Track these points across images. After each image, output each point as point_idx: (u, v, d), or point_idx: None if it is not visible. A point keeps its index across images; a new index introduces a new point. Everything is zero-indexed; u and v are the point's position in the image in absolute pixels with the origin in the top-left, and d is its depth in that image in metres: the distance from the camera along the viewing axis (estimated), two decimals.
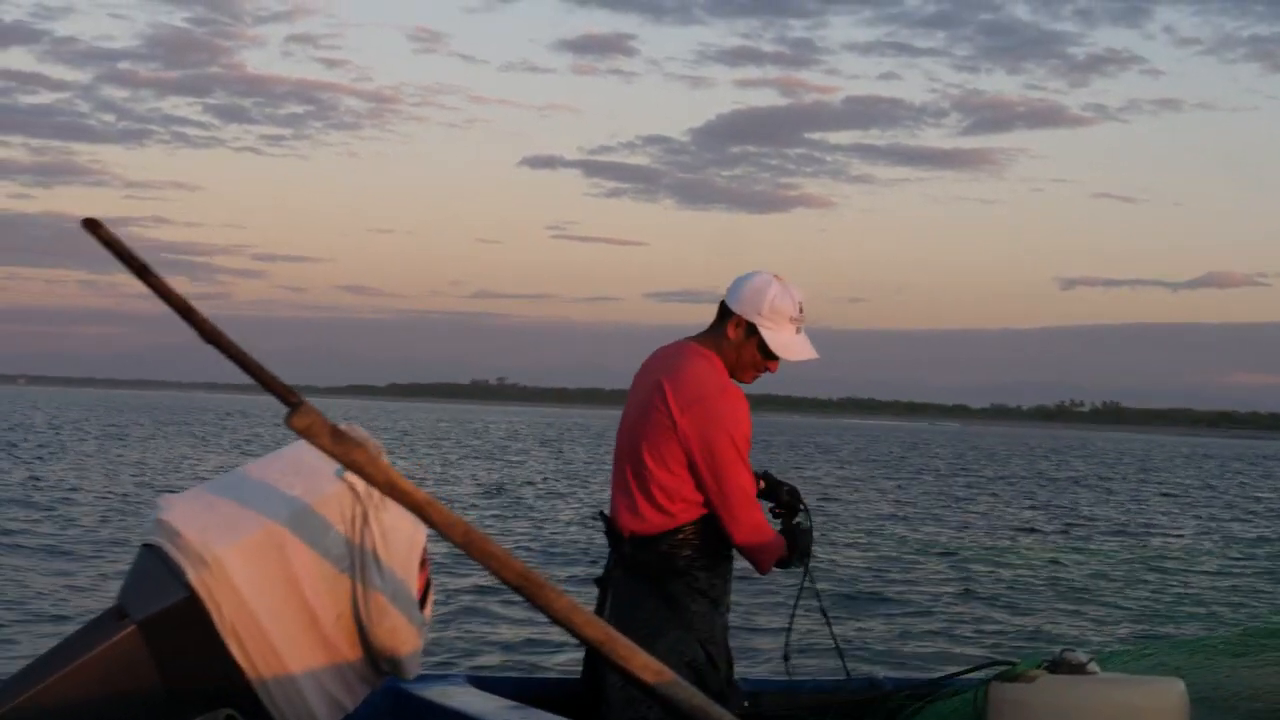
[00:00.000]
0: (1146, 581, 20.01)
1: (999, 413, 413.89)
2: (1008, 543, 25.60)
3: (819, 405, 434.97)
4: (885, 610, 16.31)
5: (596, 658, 4.94)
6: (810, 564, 5.55)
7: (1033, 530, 29.11)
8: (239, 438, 68.46)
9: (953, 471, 60.13)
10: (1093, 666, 4.78)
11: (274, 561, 3.63)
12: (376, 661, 3.78)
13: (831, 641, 5.84)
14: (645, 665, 3.41)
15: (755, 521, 5.24)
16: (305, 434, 3.28)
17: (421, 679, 5.16)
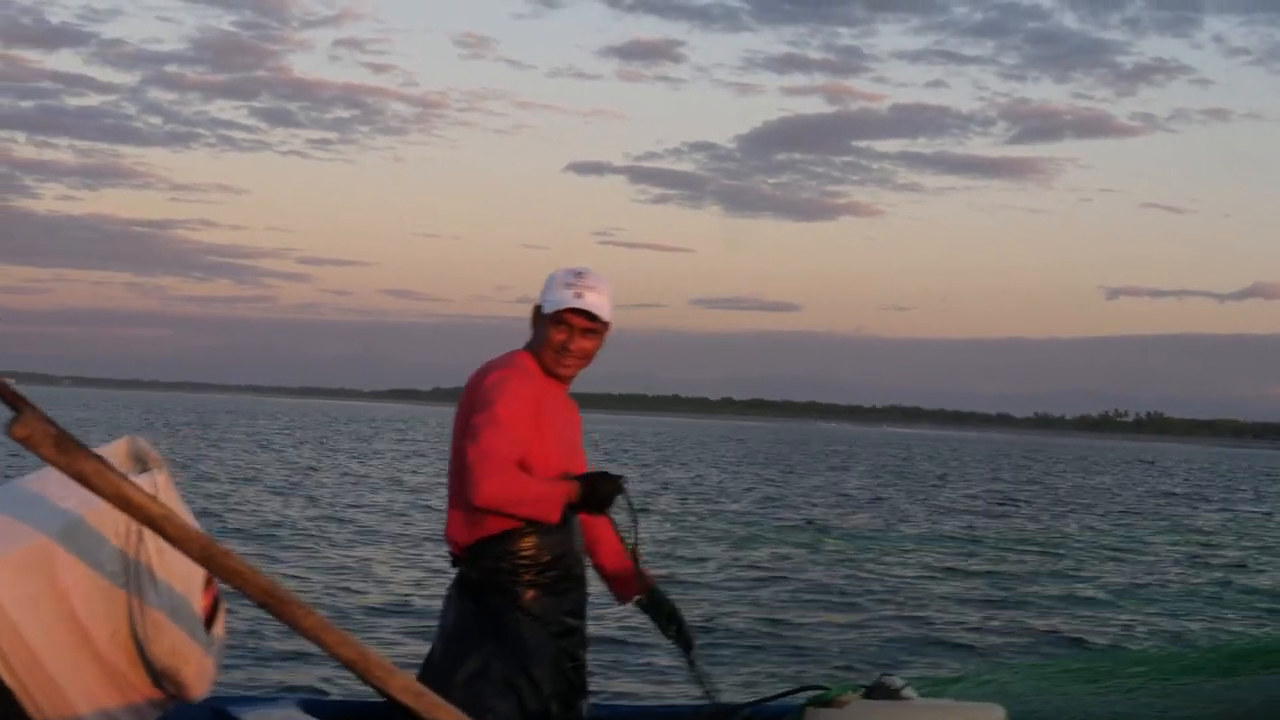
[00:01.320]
0: (1040, 604, 19.75)
1: (1042, 422, 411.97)
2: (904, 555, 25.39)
3: (861, 413, 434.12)
4: (741, 630, 16.01)
5: (424, 678, 4.89)
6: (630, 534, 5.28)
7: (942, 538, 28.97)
8: (258, 439, 69.03)
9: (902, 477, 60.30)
10: (908, 692, 4.77)
11: (42, 576, 3.44)
12: (159, 681, 3.59)
13: (687, 666, 5.51)
14: (404, 687, 3.27)
15: (495, 476, 4.86)
16: (26, 443, 3.05)
17: (247, 702, 5.14)
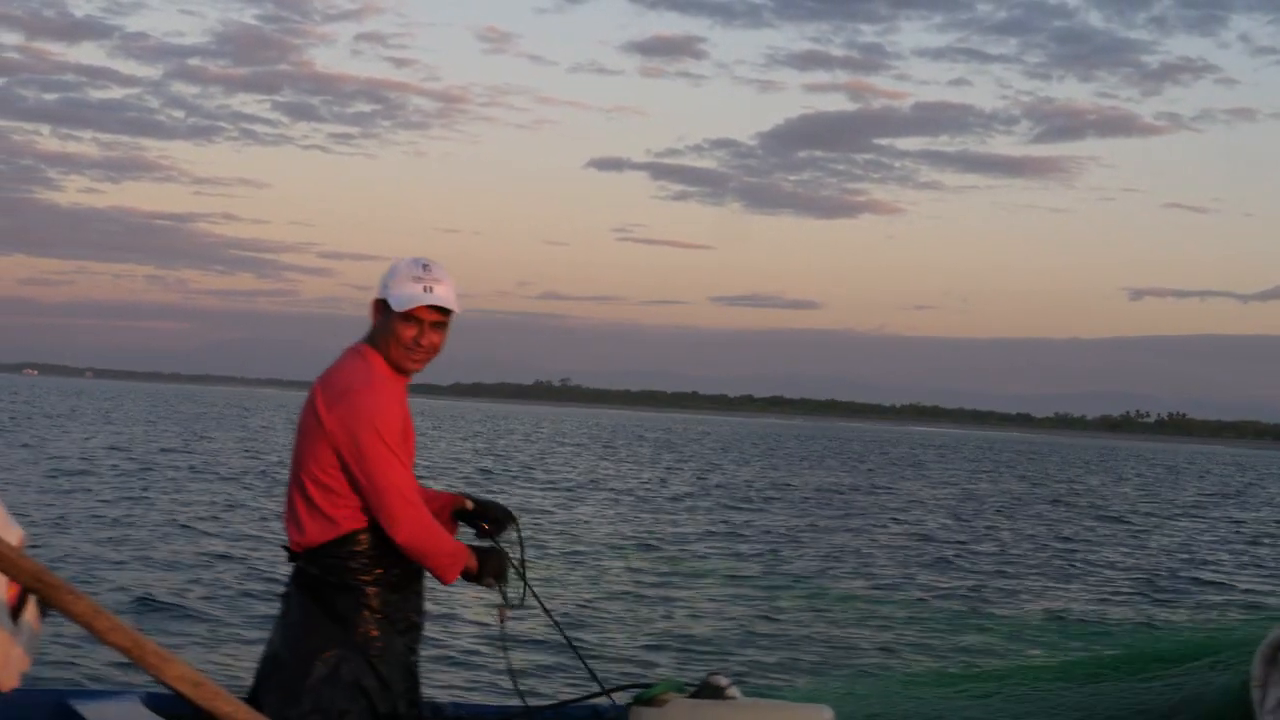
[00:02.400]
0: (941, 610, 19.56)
1: (1063, 422, 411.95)
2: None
3: (882, 411, 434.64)
4: (596, 625, 16.02)
5: (267, 678, 5.01)
6: (515, 589, 5.29)
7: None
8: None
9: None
10: (734, 691, 4.73)
11: None
12: None
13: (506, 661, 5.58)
14: (182, 676, 3.20)
15: (418, 519, 4.97)
16: None
17: (89, 695, 5.08)
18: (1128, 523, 38.63)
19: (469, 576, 5.19)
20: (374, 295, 5.16)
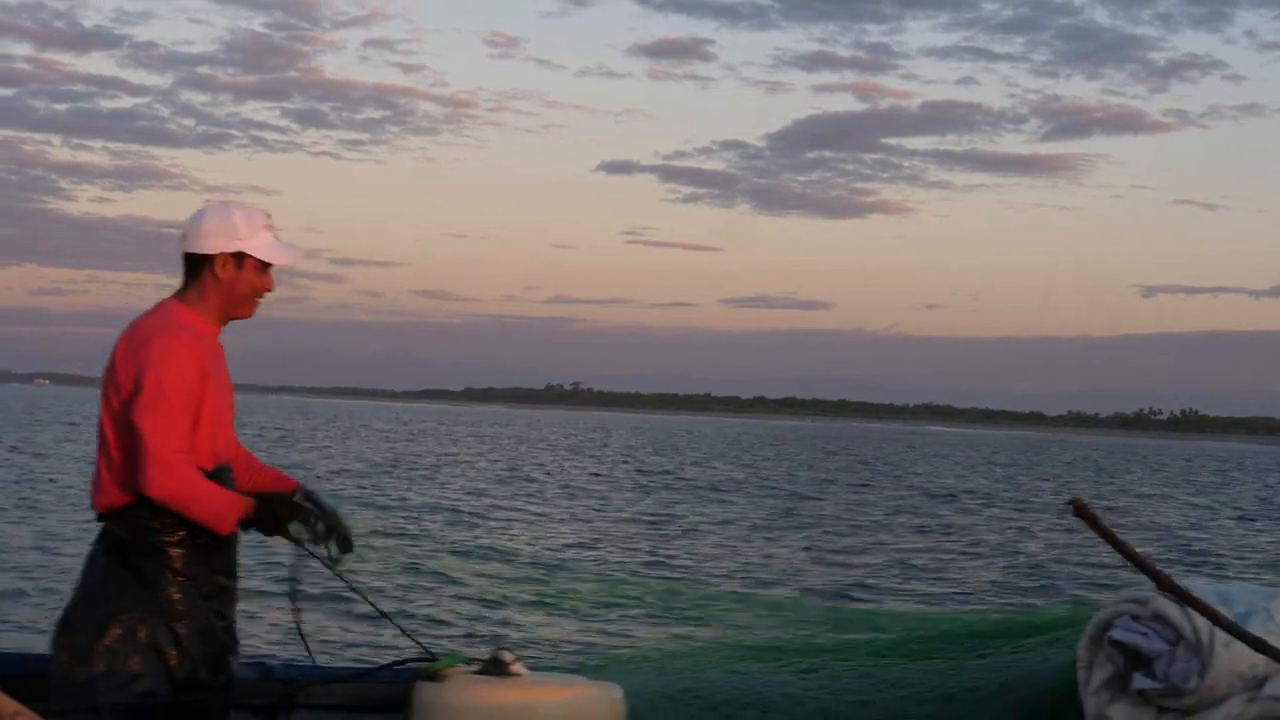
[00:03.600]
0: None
1: (1076, 420, 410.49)
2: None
3: (895, 411, 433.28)
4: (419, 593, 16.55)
5: (63, 643, 4.88)
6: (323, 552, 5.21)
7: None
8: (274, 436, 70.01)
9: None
10: (519, 667, 4.72)
11: None
12: None
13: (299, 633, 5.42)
14: None
15: (172, 472, 4.78)
16: None
17: None
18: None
19: (256, 526, 5.08)
20: (200, 248, 5.04)
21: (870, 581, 21.42)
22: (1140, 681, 5.43)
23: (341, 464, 48.48)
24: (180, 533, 4.87)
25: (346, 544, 5.24)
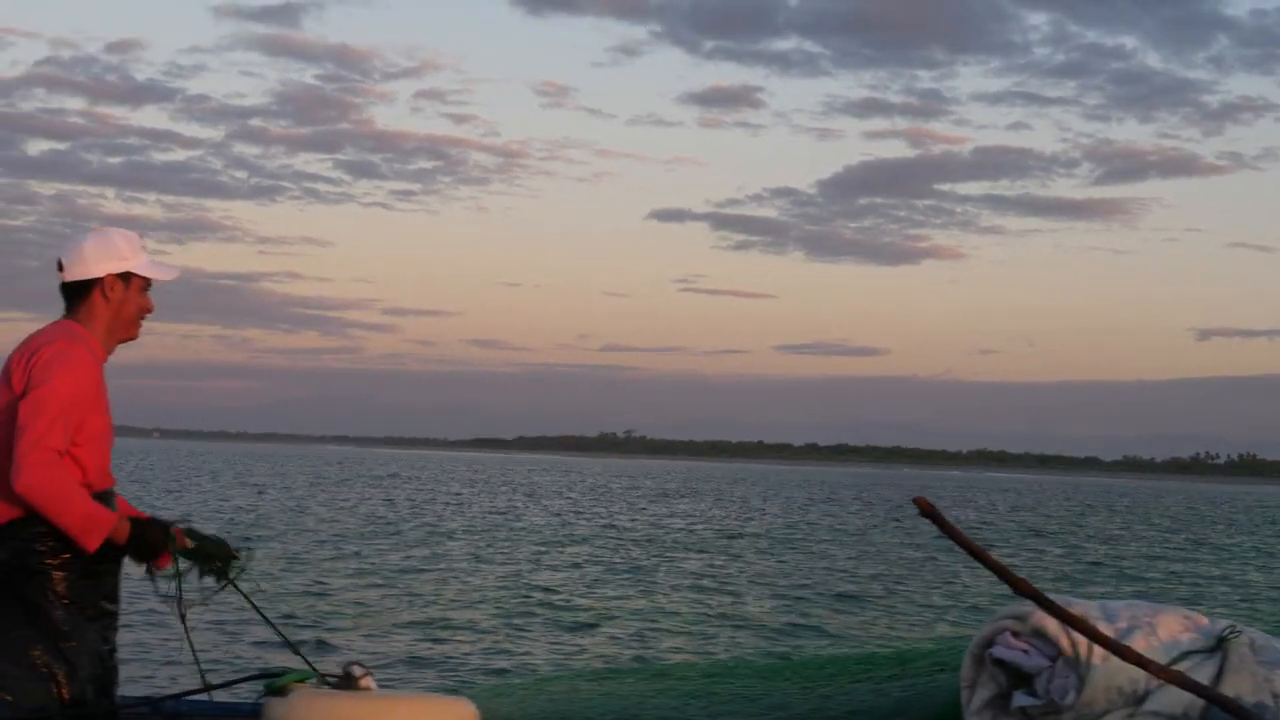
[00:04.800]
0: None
1: (1132, 465, 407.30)
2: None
3: (949, 458, 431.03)
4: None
5: None
6: (197, 581, 5.18)
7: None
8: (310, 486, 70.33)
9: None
10: (368, 682, 4.68)
11: None
12: None
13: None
14: None
15: (46, 468, 4.73)
16: None
17: None
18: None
19: (128, 550, 5.04)
20: (84, 274, 5.08)
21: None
22: (1020, 699, 5.34)
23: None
24: (63, 555, 4.88)
25: (221, 573, 5.21)
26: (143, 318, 5.21)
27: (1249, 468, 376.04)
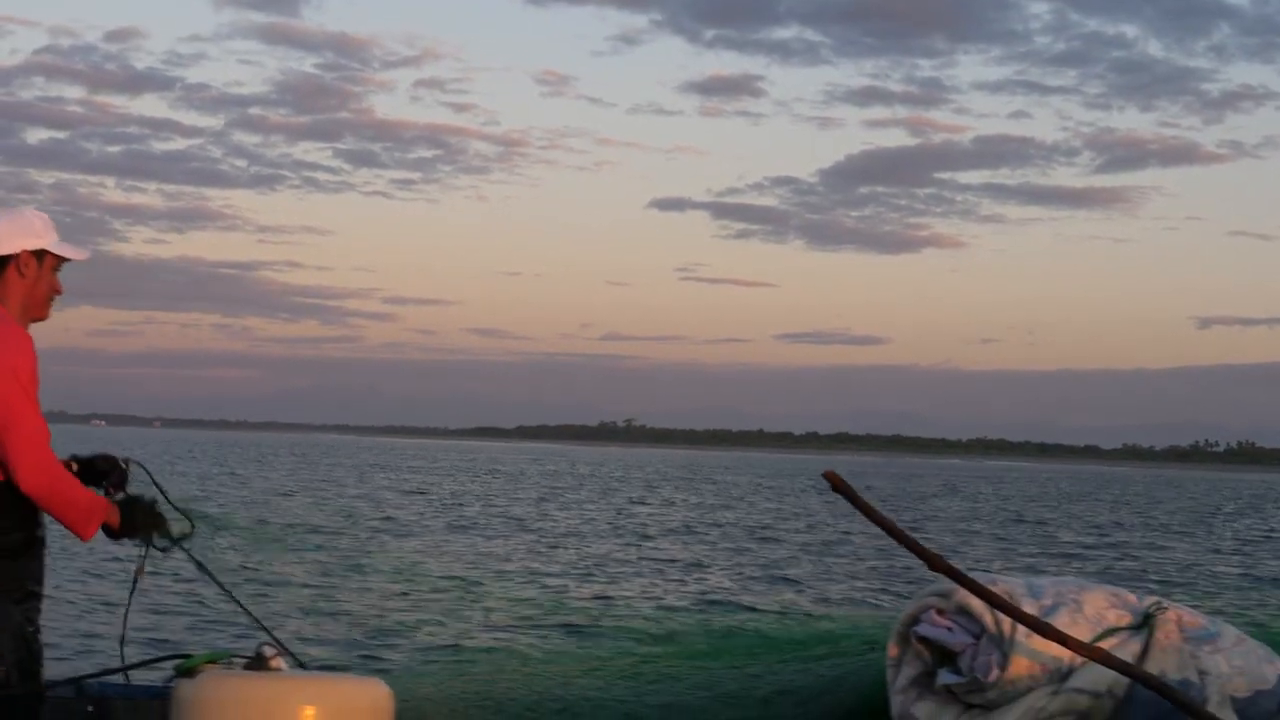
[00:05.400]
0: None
1: (1131, 453, 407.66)
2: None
3: (949, 446, 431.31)
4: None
5: None
6: (162, 545, 5.21)
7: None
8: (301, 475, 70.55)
9: None
10: (279, 663, 4.66)
11: None
12: None
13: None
14: None
15: (50, 464, 4.81)
16: None
17: None
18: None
19: (112, 533, 5.09)
20: (12, 246, 5.03)
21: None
22: (945, 677, 5.33)
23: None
24: None
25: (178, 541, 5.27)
26: (53, 299, 5.13)
27: (1248, 456, 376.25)
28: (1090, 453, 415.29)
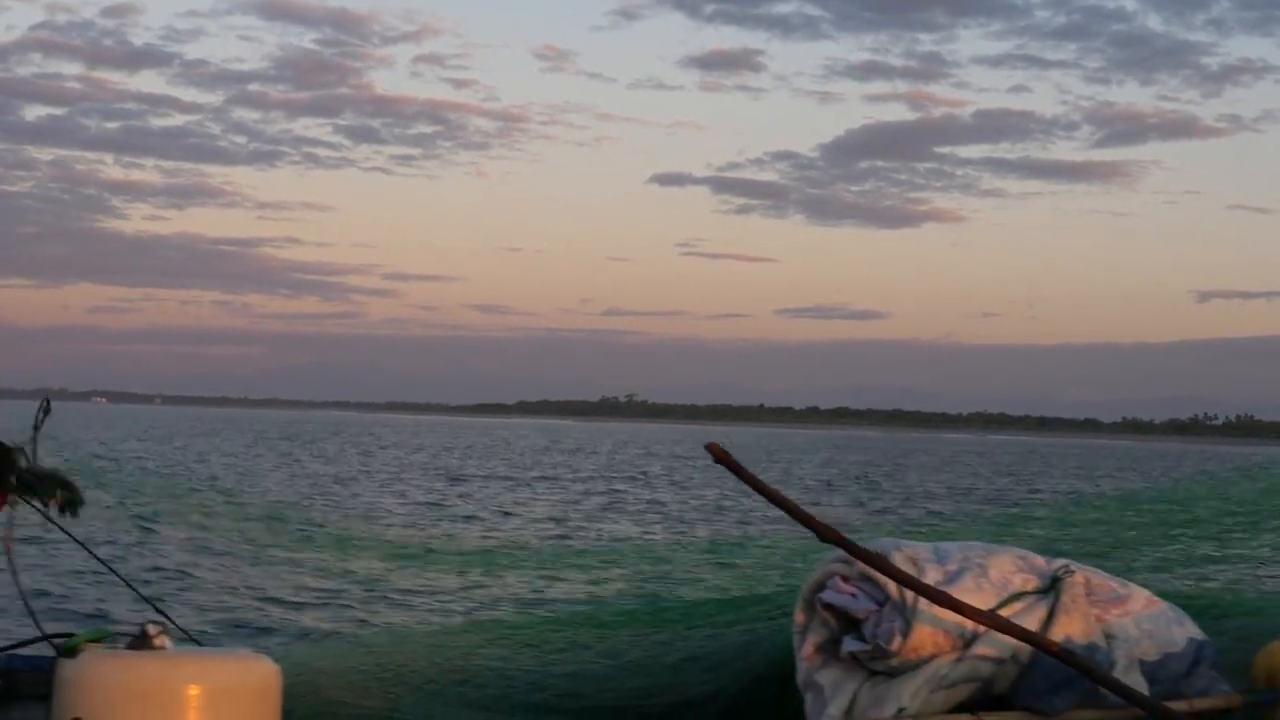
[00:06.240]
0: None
1: (1131, 427, 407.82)
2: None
3: (949, 420, 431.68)
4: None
5: None
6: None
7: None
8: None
9: None
10: (163, 641, 4.57)
11: None
12: None
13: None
14: None
15: None
16: None
17: None
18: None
19: None
20: None
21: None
22: (849, 644, 5.25)
23: None
24: None
25: (73, 505, 5.12)
26: None
27: (1247, 429, 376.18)
28: (1090, 426, 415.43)
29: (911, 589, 4.82)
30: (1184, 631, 5.44)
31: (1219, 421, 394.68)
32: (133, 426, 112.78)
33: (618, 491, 41.75)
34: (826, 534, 4.49)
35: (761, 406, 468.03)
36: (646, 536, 26.08)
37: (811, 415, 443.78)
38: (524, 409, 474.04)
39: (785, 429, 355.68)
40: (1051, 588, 5.27)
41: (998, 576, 5.26)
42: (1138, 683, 5.18)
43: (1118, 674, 5.14)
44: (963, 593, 5.09)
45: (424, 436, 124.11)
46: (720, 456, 4.33)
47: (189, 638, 4.97)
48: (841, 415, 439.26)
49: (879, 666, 5.17)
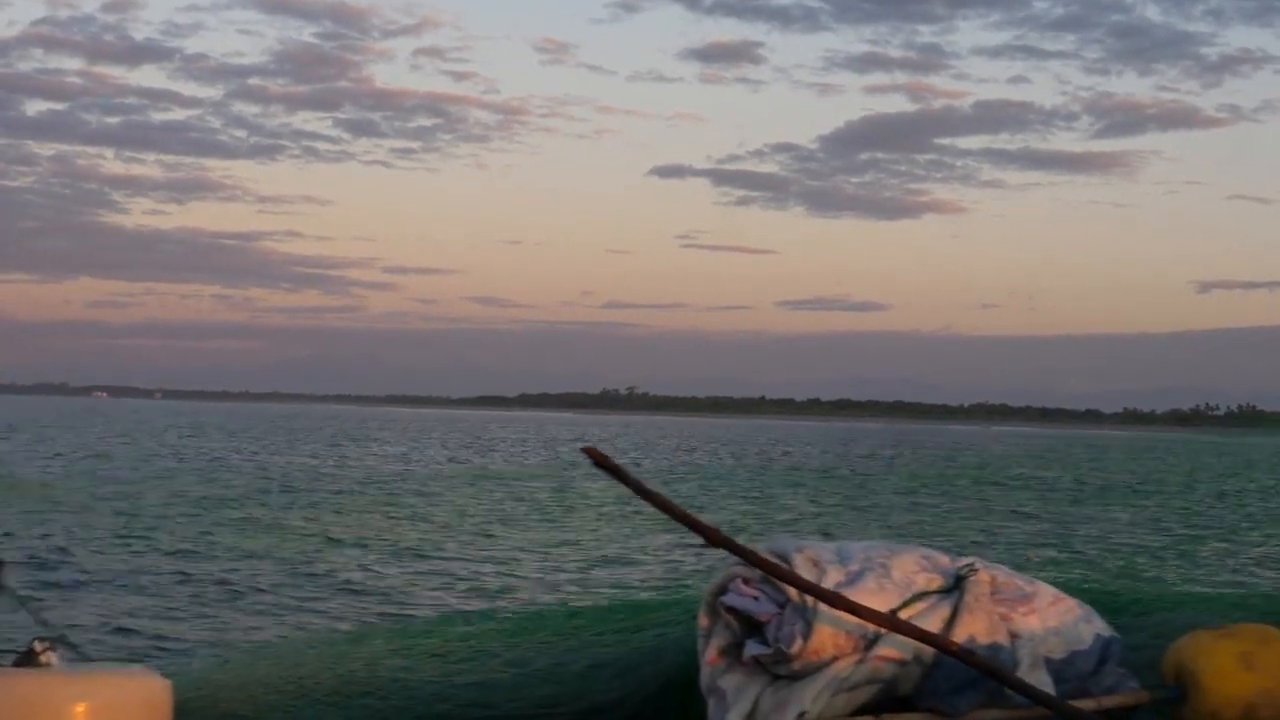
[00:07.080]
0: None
1: (1132, 417, 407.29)
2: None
3: (950, 412, 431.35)
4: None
5: None
6: None
7: None
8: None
9: None
10: (49, 658, 4.51)
11: None
12: None
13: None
14: None
15: None
16: None
17: None
18: None
19: None
20: None
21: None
22: (751, 648, 5.18)
23: None
24: None
25: None
26: None
27: (1248, 419, 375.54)
28: (1091, 417, 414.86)
29: (808, 593, 4.75)
30: (1092, 628, 5.38)
31: (1221, 412, 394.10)
32: (146, 421, 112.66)
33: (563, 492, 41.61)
34: (714, 538, 4.42)
35: (763, 399, 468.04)
36: (562, 539, 26.01)
37: (813, 407, 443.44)
38: (524, 402, 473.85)
39: (787, 421, 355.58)
40: (955, 587, 5.20)
41: (901, 576, 5.20)
42: (1043, 681, 5.12)
43: (1022, 673, 5.08)
44: (864, 594, 5.03)
45: (416, 429, 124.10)
46: (600, 461, 4.26)
47: (80, 655, 4.88)
48: (843, 407, 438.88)
49: (781, 670, 5.10)
